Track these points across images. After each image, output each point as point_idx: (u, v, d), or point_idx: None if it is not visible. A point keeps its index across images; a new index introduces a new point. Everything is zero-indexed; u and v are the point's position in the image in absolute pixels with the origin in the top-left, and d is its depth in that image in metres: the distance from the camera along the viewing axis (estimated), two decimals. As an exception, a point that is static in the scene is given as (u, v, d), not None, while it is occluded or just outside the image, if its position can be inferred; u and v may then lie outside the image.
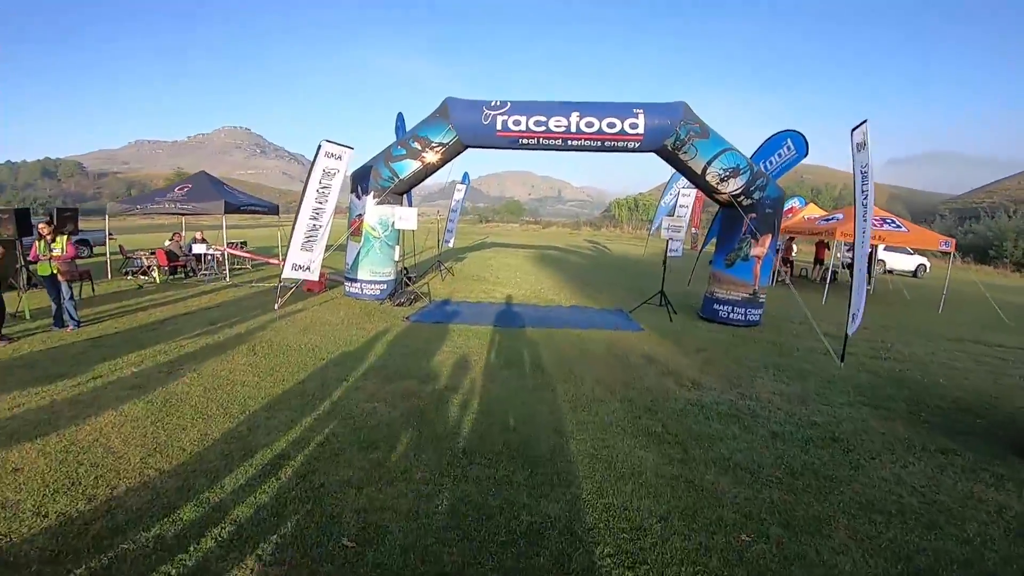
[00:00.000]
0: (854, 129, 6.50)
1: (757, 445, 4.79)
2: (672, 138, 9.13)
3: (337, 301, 10.27)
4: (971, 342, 10.08)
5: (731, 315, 9.87)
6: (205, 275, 13.05)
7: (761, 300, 9.89)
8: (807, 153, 10.39)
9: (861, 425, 5.45)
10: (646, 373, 6.71)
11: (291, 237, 8.35)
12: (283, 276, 8.54)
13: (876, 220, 14.67)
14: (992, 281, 26.42)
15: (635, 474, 4.14)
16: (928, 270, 25.56)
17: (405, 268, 12.91)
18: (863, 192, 6.41)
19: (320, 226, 8.56)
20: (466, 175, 20.33)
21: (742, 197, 9.44)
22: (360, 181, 10.05)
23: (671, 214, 19.98)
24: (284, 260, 8.53)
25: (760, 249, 9.62)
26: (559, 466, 4.21)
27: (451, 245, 18.82)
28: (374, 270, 10.27)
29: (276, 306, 8.77)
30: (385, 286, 10.48)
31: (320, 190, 8.48)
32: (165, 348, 6.90)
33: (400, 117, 11.50)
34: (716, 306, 10.02)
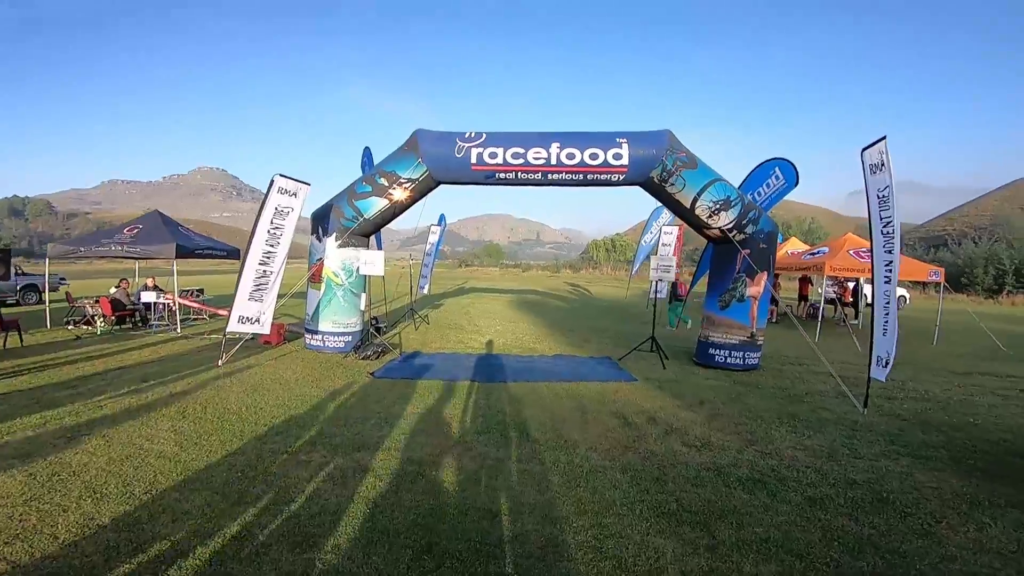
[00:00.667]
0: (865, 149, 5.87)
1: (795, 517, 3.90)
2: (658, 169, 8.51)
3: (295, 355, 9.18)
4: (980, 375, 9.53)
5: (728, 359, 9.06)
6: (153, 326, 11.84)
7: (759, 342, 9.13)
8: (798, 182, 9.85)
9: (908, 481, 4.64)
10: (647, 432, 5.76)
11: (237, 285, 7.32)
12: (228, 330, 7.45)
13: (864, 252, 14.27)
14: (968, 309, 26.38)
15: (654, 572, 3.16)
16: (908, 301, 25.40)
17: (374, 318, 11.90)
18: (882, 219, 5.71)
19: (271, 272, 7.55)
20: (442, 217, 19.61)
21: (734, 232, 8.78)
22: (321, 221, 9.15)
23: (654, 253, 19.45)
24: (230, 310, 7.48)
25: (756, 288, 8.91)
26: (555, 568, 3.19)
27: (426, 291, 17.85)
28: (337, 320, 9.25)
29: (219, 362, 7.65)
30: (350, 338, 9.44)
31: (271, 231, 7.52)
32: (78, 408, 5.88)
33: (367, 152, 10.74)
34: (712, 350, 9.20)
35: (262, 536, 3.41)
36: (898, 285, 19.61)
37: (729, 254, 9.03)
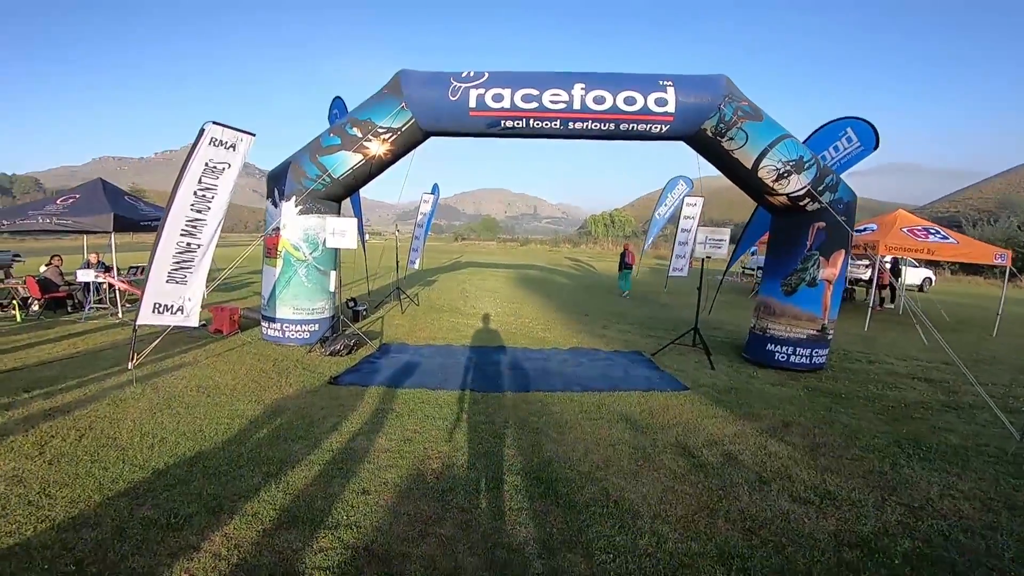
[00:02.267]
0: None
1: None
2: (714, 119, 6.55)
3: (245, 349, 7.30)
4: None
5: (792, 357, 7.30)
6: (87, 311, 9.93)
7: (830, 336, 7.36)
8: (878, 145, 7.89)
9: None
10: (734, 480, 3.97)
11: (150, 264, 5.37)
12: (139, 322, 5.54)
13: (919, 230, 12.44)
14: (987, 292, 24.73)
15: None
16: (933, 283, 23.69)
17: (352, 299, 10.00)
18: None
19: (198, 246, 5.58)
20: (436, 187, 17.58)
21: (807, 200, 6.88)
22: (277, 183, 7.18)
23: (674, 225, 17.53)
24: (142, 294, 5.53)
25: (831, 270, 7.08)
26: None
27: (416, 267, 15.90)
28: (299, 305, 7.35)
29: (130, 364, 5.77)
30: (316, 327, 7.56)
31: (199, 193, 5.53)
32: None
33: (337, 103, 8.59)
34: (771, 346, 7.40)
35: None
36: (921, 266, 17.70)
37: (796, 227, 7.16)
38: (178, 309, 5.64)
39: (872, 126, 7.92)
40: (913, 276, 21.99)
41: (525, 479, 3.87)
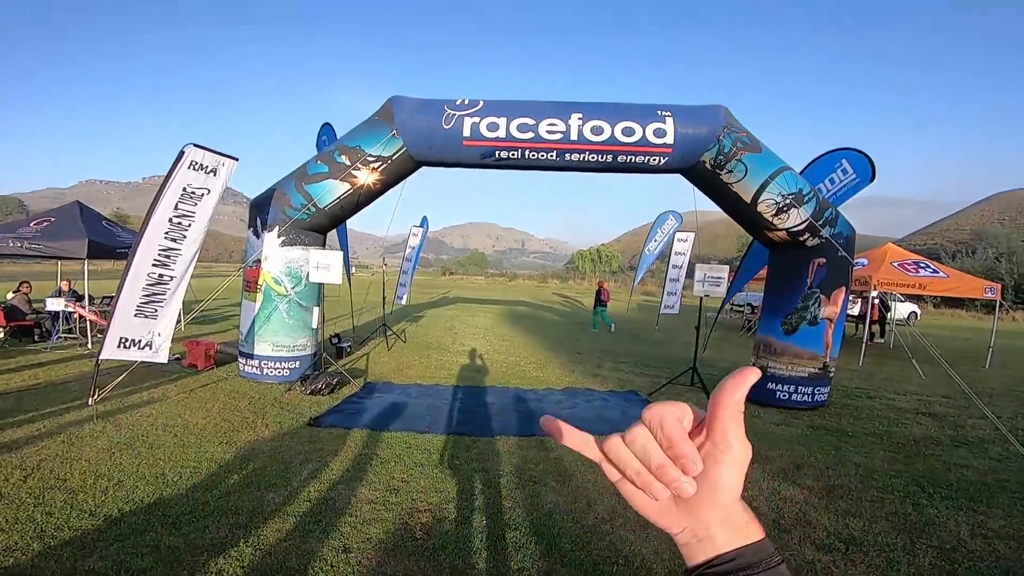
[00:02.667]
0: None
1: None
2: (713, 151, 6.42)
3: (220, 386, 6.83)
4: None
5: (794, 396, 7.02)
6: (52, 340, 9.44)
7: (831, 374, 7.13)
8: (874, 177, 7.83)
9: None
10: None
11: (117, 297, 4.96)
12: (102, 357, 5.09)
13: (910, 265, 12.45)
14: (970, 325, 24.99)
15: None
16: (919, 317, 23.84)
17: (336, 335, 9.60)
18: None
19: (171, 278, 5.18)
20: (425, 220, 17.36)
21: (807, 235, 6.73)
22: (260, 211, 6.86)
23: (665, 262, 17.43)
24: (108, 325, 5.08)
25: (832, 308, 6.88)
26: None
27: (404, 302, 15.52)
28: (279, 342, 6.93)
29: (90, 400, 5.30)
30: (297, 364, 7.12)
31: (175, 220, 5.18)
32: None
33: (326, 129, 8.37)
34: (772, 385, 7.11)
35: None
36: (905, 300, 17.68)
37: (795, 264, 6.98)
38: (146, 344, 5.20)
39: (868, 157, 7.85)
40: (900, 310, 22.11)
41: (525, 534, 3.48)
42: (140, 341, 5.15)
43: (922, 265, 12.50)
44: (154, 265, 5.12)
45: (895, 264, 12.38)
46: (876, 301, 16.94)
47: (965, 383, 6.73)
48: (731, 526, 0.48)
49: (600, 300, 15.83)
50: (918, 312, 23.98)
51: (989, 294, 12.44)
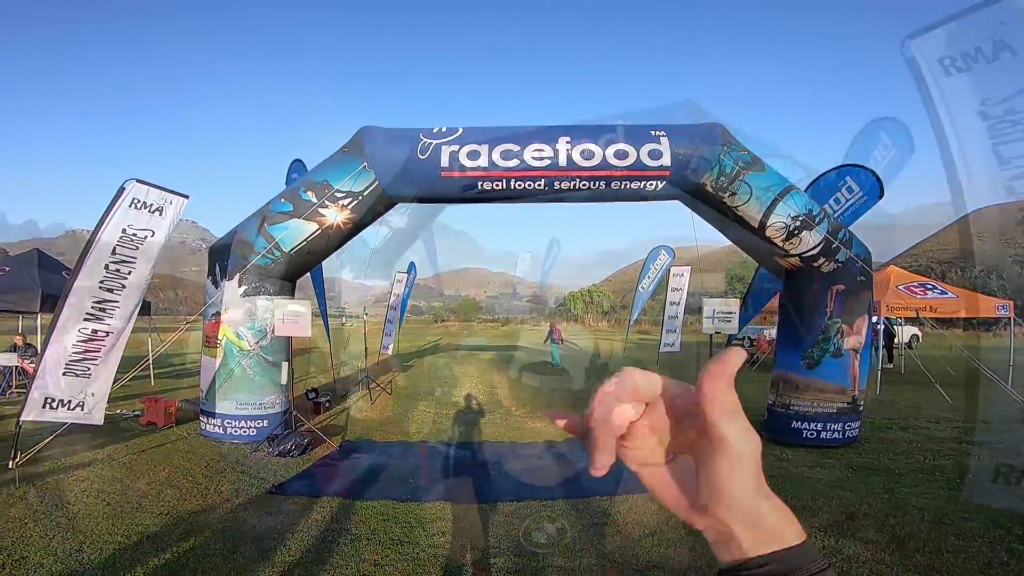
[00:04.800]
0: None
1: None
2: (714, 172, 5.92)
3: (178, 446, 6.03)
4: None
5: (823, 433, 6.31)
6: (9, 394, 8.87)
7: (861, 407, 6.45)
8: (882, 194, 7.36)
9: None
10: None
11: (42, 354, 4.23)
12: (24, 418, 4.31)
13: (916, 287, 11.97)
14: (970, 344, 24.35)
15: None
16: (920, 340, 23.22)
17: (313, 390, 8.79)
18: None
19: (107, 333, 4.45)
20: (412, 265, 16.81)
21: (821, 260, 6.16)
22: (218, 258, 6.20)
23: (658, 299, 16.86)
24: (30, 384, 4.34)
25: (856, 339, 6.26)
26: None
27: (389, 352, 14.70)
28: (243, 400, 6.13)
29: (11, 463, 4.50)
30: (264, 423, 6.30)
31: (112, 267, 4.51)
32: None
33: (297, 167, 7.81)
34: (796, 423, 6.40)
35: None
36: (910, 323, 17.11)
37: (812, 292, 6.38)
38: (77, 405, 4.44)
39: (875, 173, 7.39)
40: (903, 333, 21.56)
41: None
42: (70, 402, 4.39)
43: (929, 287, 12.04)
44: (86, 320, 4.40)
45: (901, 287, 11.89)
46: (880, 327, 16.45)
47: (1002, 404, 6.09)
48: (758, 529, 0.42)
49: (552, 338, 16.57)
50: (920, 335, 23.40)
51: (1002, 311, 11.94)
